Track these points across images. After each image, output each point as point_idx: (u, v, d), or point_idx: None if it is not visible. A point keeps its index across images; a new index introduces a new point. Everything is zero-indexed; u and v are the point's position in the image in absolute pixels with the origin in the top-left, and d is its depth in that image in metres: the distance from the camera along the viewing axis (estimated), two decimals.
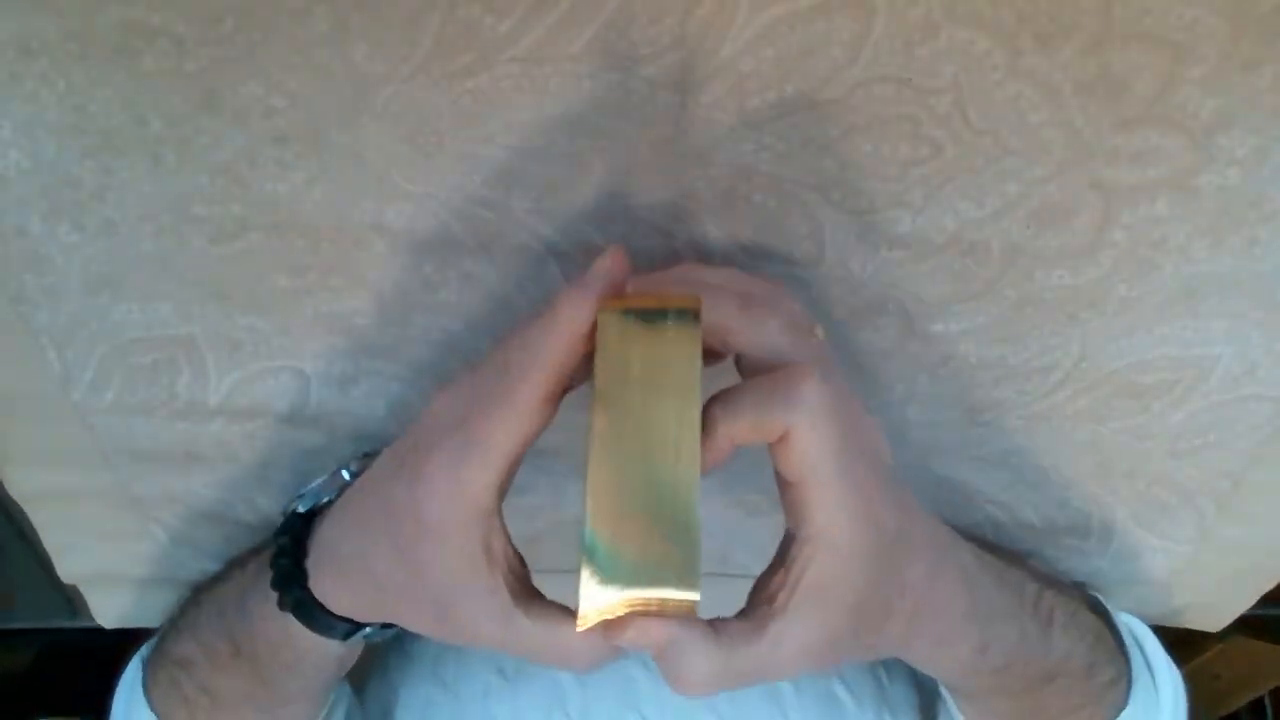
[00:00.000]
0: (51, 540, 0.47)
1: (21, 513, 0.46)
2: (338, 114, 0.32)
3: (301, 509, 0.37)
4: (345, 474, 0.38)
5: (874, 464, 0.30)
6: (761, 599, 0.30)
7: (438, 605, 0.31)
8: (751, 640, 0.29)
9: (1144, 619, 0.49)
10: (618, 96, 0.32)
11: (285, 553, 0.35)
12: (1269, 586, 0.48)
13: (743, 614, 0.30)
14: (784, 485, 0.29)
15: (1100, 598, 0.46)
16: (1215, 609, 0.50)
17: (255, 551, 0.44)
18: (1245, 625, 0.51)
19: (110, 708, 0.46)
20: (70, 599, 0.55)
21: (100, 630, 0.53)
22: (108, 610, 0.51)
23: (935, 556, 0.32)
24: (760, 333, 0.30)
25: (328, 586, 0.34)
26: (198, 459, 0.43)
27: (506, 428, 0.28)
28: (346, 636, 0.36)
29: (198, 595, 0.46)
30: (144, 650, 0.47)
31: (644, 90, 0.32)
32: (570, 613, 0.30)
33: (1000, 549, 0.44)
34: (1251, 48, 0.30)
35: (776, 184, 0.34)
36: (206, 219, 0.35)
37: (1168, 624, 0.51)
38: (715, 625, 0.29)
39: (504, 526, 0.31)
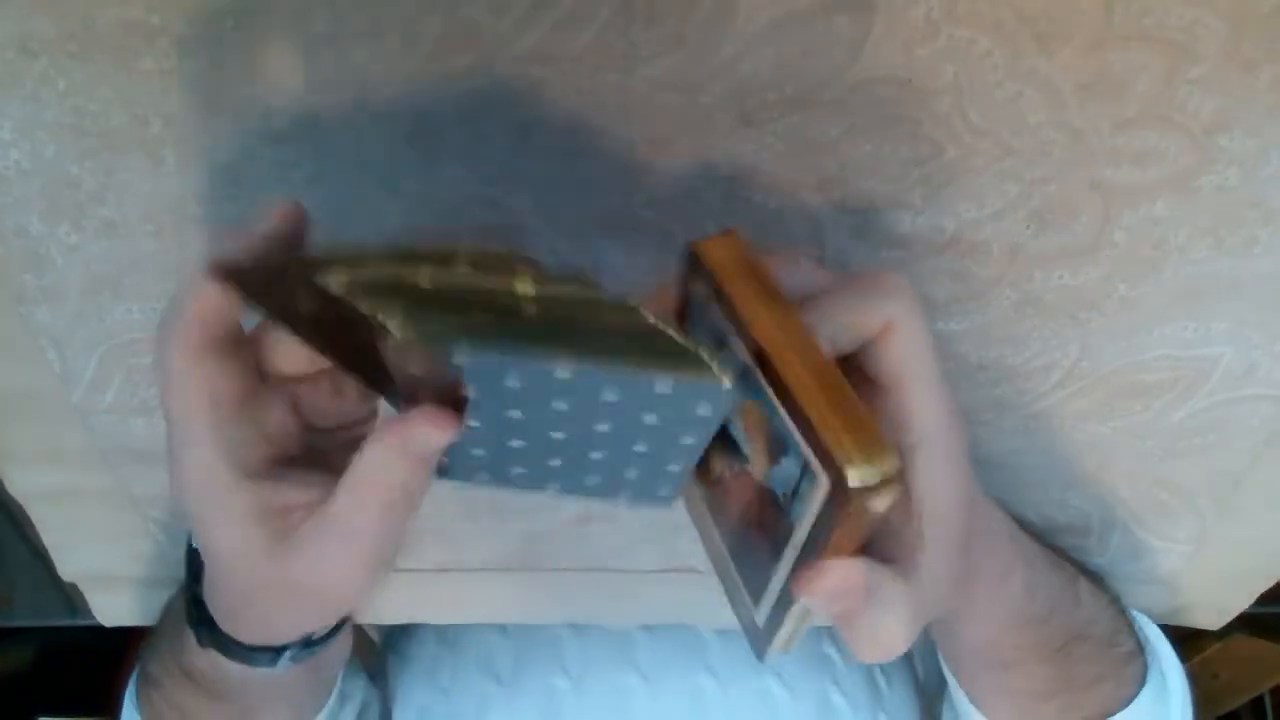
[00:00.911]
0: (51, 539, 0.47)
1: (22, 511, 0.46)
2: (338, 114, 0.32)
3: (195, 543, 0.36)
4: None
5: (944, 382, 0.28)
6: (880, 537, 0.27)
7: (258, 592, 0.29)
8: (913, 580, 0.27)
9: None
10: (618, 97, 0.32)
11: (191, 593, 0.35)
12: (1269, 585, 0.48)
13: (874, 556, 0.27)
14: (878, 393, 0.27)
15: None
16: (1215, 607, 0.50)
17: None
18: (1245, 623, 0.51)
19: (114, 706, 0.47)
20: (70, 598, 0.55)
21: (100, 629, 0.53)
22: (107, 609, 0.51)
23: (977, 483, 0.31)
24: (796, 273, 0.28)
25: (222, 619, 0.33)
26: None
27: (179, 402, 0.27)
28: (270, 663, 0.35)
29: (165, 613, 0.46)
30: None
31: (644, 90, 0.32)
32: None
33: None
34: (1251, 48, 0.30)
35: (776, 184, 0.34)
36: (206, 219, 0.35)
37: (1168, 622, 0.51)
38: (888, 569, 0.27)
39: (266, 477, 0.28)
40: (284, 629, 0.33)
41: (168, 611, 0.46)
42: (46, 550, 0.48)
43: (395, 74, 0.31)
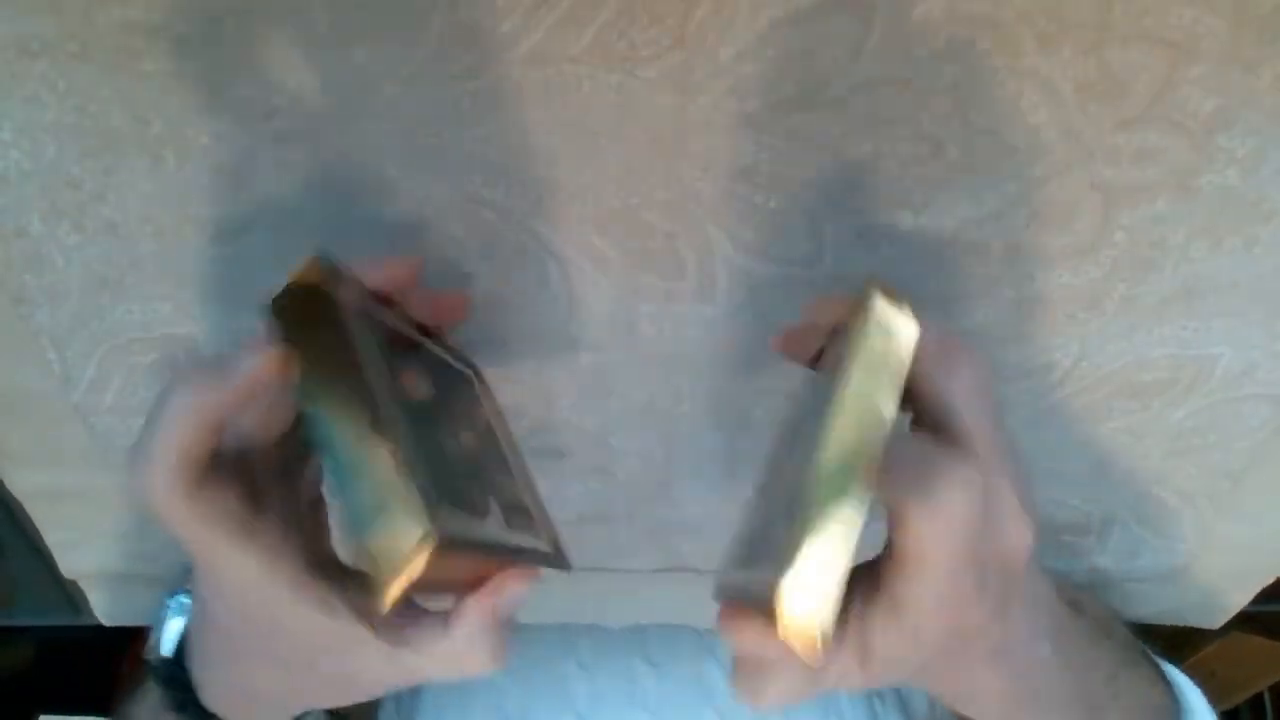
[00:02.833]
0: (52, 538, 0.47)
1: (23, 510, 0.46)
2: (338, 115, 0.32)
3: (168, 652, 0.35)
4: (184, 598, 0.36)
5: (985, 568, 0.28)
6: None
7: (321, 673, 0.30)
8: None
9: (1143, 617, 0.49)
10: (618, 97, 0.32)
11: (183, 706, 0.35)
12: (1268, 584, 0.48)
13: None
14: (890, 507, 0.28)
15: (1168, 671, 0.43)
16: (1214, 607, 0.50)
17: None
18: (1244, 622, 0.51)
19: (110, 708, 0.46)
20: (71, 597, 0.55)
21: (101, 628, 0.53)
22: (108, 608, 0.51)
23: (1005, 657, 0.32)
24: (948, 384, 0.28)
25: (223, 705, 0.34)
26: None
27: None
28: None
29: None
30: None
31: (644, 91, 0.32)
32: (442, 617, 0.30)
33: (1105, 615, 0.41)
34: (1251, 48, 0.30)
35: (776, 184, 0.34)
36: (207, 219, 0.35)
37: (1167, 622, 0.51)
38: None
39: (314, 545, 0.30)
40: (295, 706, 0.33)
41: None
42: (47, 549, 0.48)
43: (395, 75, 0.31)
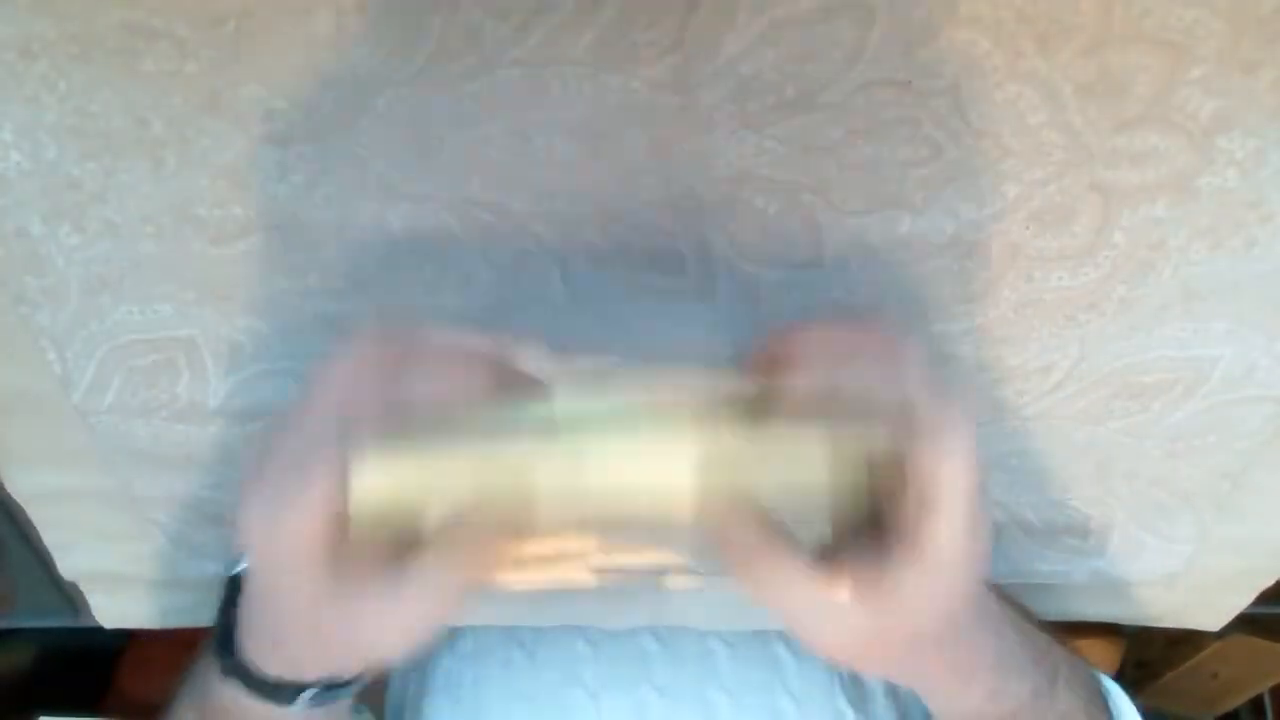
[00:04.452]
0: (51, 540, 0.47)
1: (22, 512, 0.46)
2: (338, 116, 0.32)
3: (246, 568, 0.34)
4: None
5: (980, 534, 0.28)
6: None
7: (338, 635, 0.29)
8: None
9: (1143, 619, 0.49)
10: (618, 98, 0.32)
11: (221, 619, 0.34)
12: (1267, 585, 0.48)
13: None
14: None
15: (1085, 660, 0.44)
16: (1214, 608, 0.50)
17: None
18: (1244, 623, 0.51)
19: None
20: (70, 598, 0.55)
21: (100, 630, 0.53)
22: (107, 610, 0.51)
23: (977, 608, 0.32)
24: (936, 458, 0.27)
25: (255, 649, 0.33)
26: (197, 460, 0.43)
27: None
28: (289, 700, 0.34)
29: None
30: None
31: (644, 92, 0.32)
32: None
33: (1010, 600, 0.42)
34: (1251, 49, 0.30)
35: (776, 186, 0.34)
36: (207, 221, 0.35)
37: (1167, 624, 0.51)
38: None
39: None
40: (316, 668, 0.33)
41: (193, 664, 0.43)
42: (47, 551, 0.48)
43: (396, 76, 0.31)
